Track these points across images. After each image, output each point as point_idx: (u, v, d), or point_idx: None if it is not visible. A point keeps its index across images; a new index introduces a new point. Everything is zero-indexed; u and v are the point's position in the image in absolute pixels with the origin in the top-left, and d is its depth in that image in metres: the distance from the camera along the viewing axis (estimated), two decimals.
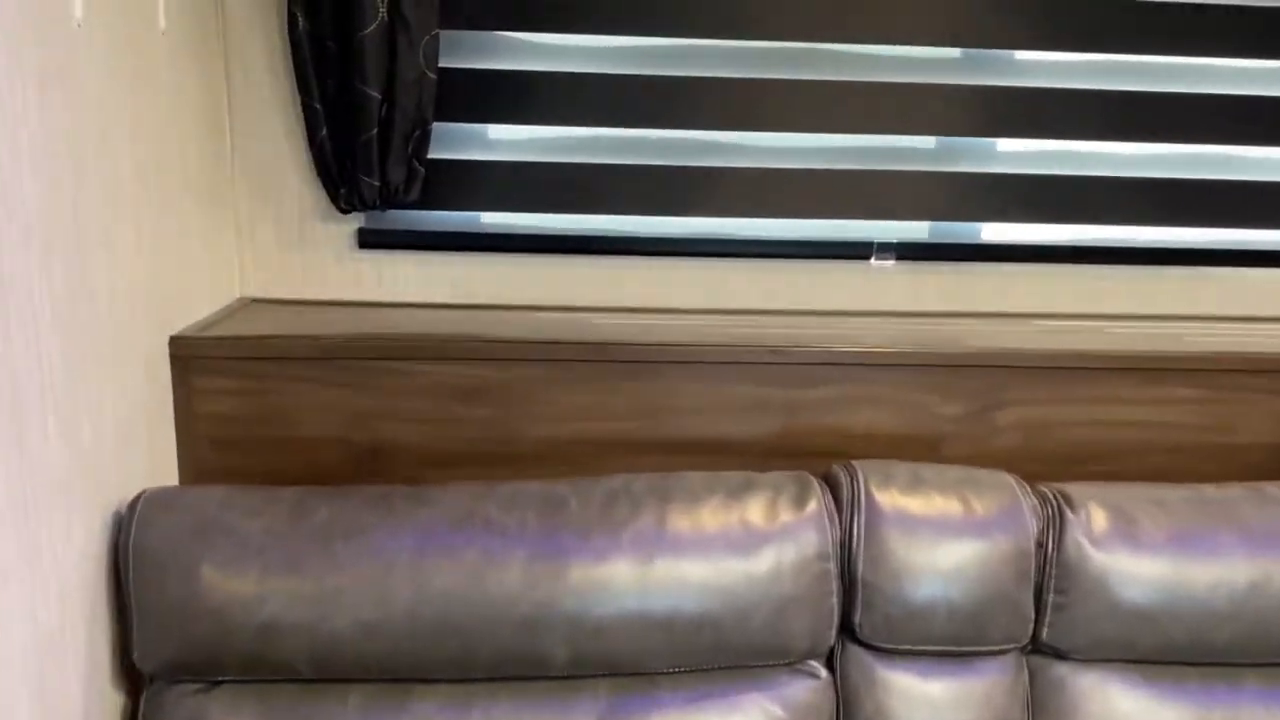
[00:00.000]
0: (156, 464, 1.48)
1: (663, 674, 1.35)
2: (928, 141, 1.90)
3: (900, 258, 1.93)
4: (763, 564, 1.32)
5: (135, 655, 1.29)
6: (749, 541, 1.33)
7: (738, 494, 1.38)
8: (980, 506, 1.39)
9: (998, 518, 1.38)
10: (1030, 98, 1.85)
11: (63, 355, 1.18)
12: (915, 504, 1.39)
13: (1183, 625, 1.36)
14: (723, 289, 1.92)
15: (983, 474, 1.45)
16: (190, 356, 1.54)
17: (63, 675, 1.19)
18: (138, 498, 1.31)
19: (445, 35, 1.75)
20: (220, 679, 1.30)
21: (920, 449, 1.64)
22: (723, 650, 1.33)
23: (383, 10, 1.68)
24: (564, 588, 1.28)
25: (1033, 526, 1.38)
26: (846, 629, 1.40)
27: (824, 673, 1.39)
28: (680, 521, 1.33)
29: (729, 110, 1.83)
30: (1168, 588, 1.36)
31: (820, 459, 1.59)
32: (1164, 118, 1.86)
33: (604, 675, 1.34)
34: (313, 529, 1.28)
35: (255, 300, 1.86)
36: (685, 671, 1.35)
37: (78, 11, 1.19)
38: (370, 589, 1.25)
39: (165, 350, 1.52)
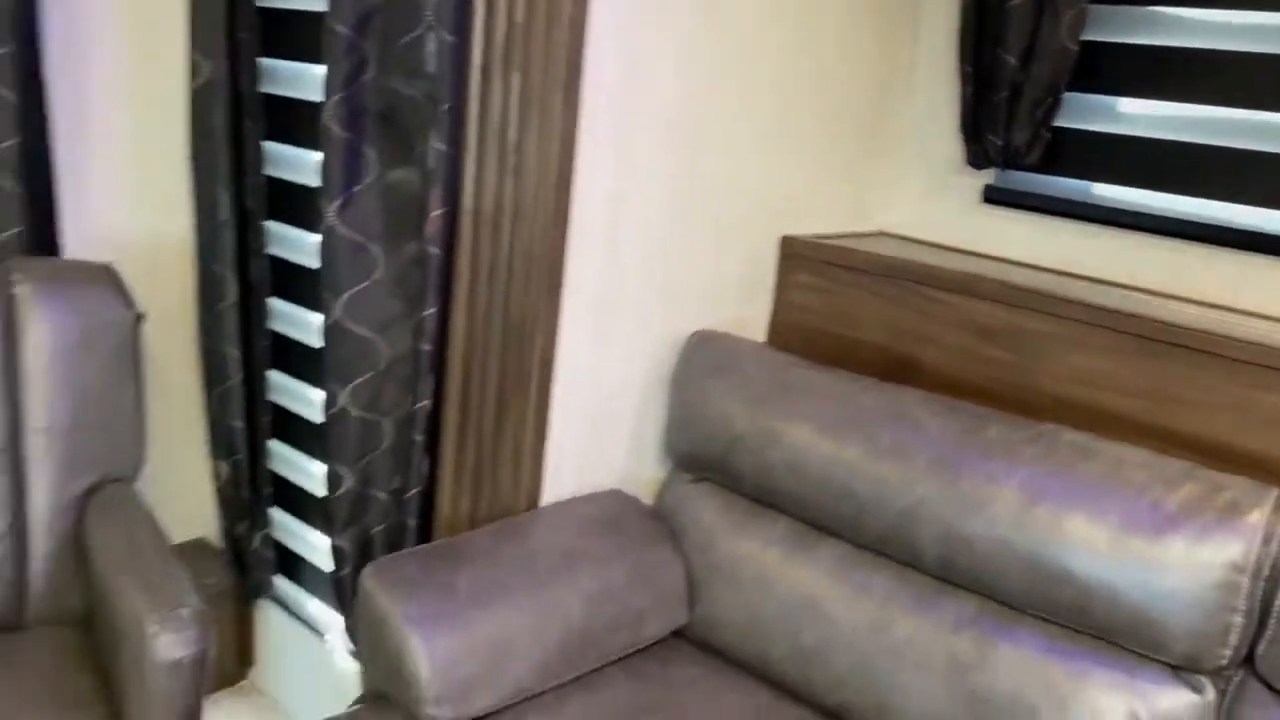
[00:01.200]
0: (749, 325, 1.94)
1: (1030, 614, 1.38)
2: None
3: None
4: (1157, 549, 1.26)
5: (664, 443, 1.78)
6: (1154, 522, 1.27)
7: (1170, 480, 1.31)
8: None
9: None
10: None
11: (668, 218, 1.69)
12: None
13: None
14: None
15: None
16: (792, 255, 1.95)
17: (613, 441, 1.73)
18: (695, 333, 1.78)
19: (1093, 9, 1.83)
20: (705, 477, 1.73)
21: None
22: (1086, 613, 1.31)
23: None
24: (947, 493, 1.40)
25: None
26: (1251, 659, 1.24)
27: (1211, 693, 1.26)
28: (1087, 479, 1.33)
29: None
30: None
31: None
32: None
33: (975, 592, 1.42)
34: (790, 381, 1.61)
35: (889, 235, 2.18)
36: (1052, 622, 1.36)
37: None
38: (803, 437, 1.54)
39: (775, 245, 1.96)
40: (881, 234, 2.17)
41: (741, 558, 1.61)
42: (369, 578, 1.41)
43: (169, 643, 1.33)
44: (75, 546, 1.65)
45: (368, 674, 1.46)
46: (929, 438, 1.45)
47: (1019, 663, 1.34)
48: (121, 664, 1.42)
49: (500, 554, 1.50)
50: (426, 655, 1.34)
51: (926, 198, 2.13)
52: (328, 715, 1.43)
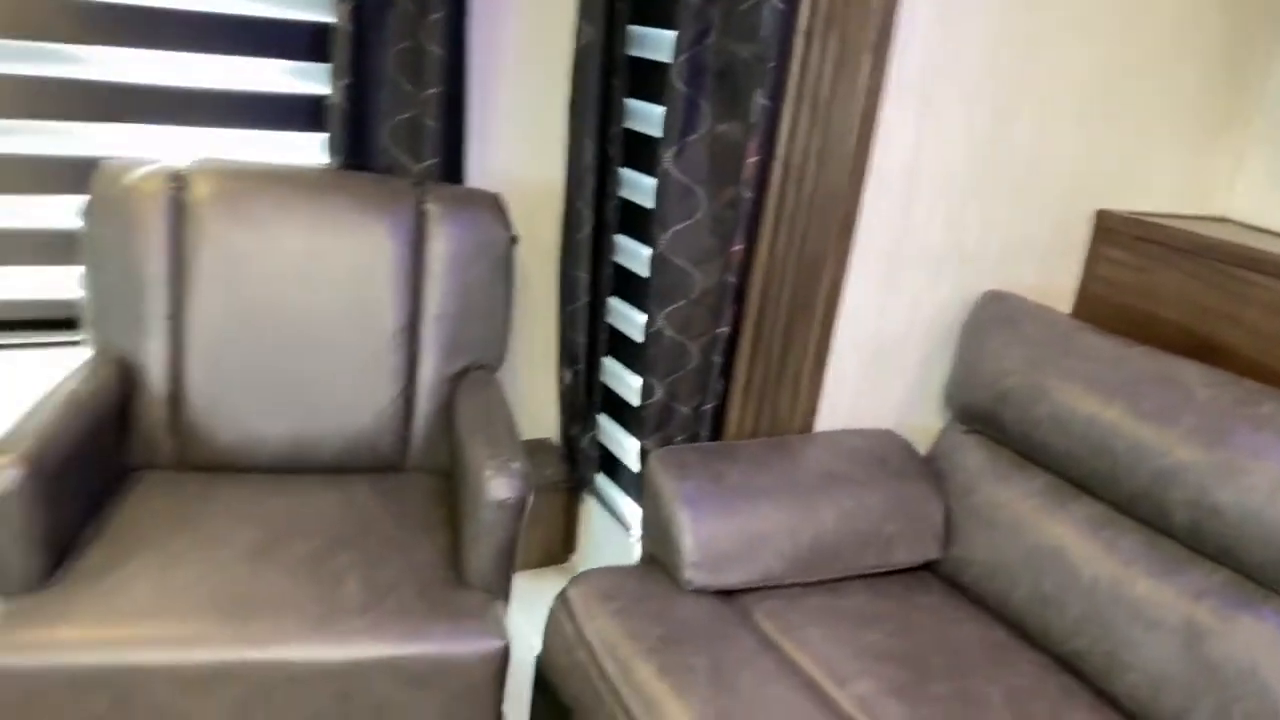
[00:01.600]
0: (1052, 293, 1.98)
1: (1279, 592, 1.36)
2: None
3: None
4: None
5: (945, 394, 1.89)
6: None
7: None
8: None
9: None
10: None
11: (969, 180, 1.79)
12: None
13: None
14: None
15: None
16: (1107, 229, 1.96)
17: (892, 384, 1.87)
18: (987, 292, 1.86)
19: None
20: (977, 429, 1.81)
21: None
22: None
23: None
24: (1205, 461, 1.40)
25: None
26: None
27: None
28: None
29: None
30: None
31: None
32: None
33: (1223, 564, 1.42)
34: (1067, 344, 1.66)
35: (1231, 221, 2.10)
36: None
37: None
38: (1070, 394, 1.60)
39: (1089, 218, 1.97)
40: (1224, 220, 2.09)
41: (999, 504, 1.69)
42: (654, 459, 1.67)
43: (499, 485, 1.67)
44: (446, 413, 2.07)
45: (646, 541, 1.73)
46: (1196, 406, 1.45)
47: (1259, 637, 1.33)
48: (464, 502, 1.79)
49: (768, 461, 1.71)
50: (691, 527, 1.58)
51: (1277, 184, 2.02)
52: (609, 565, 1.72)
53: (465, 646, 1.55)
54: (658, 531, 1.64)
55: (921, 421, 1.95)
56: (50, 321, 2.15)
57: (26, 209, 2.07)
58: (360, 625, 1.53)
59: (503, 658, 1.56)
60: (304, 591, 1.56)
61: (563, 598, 1.62)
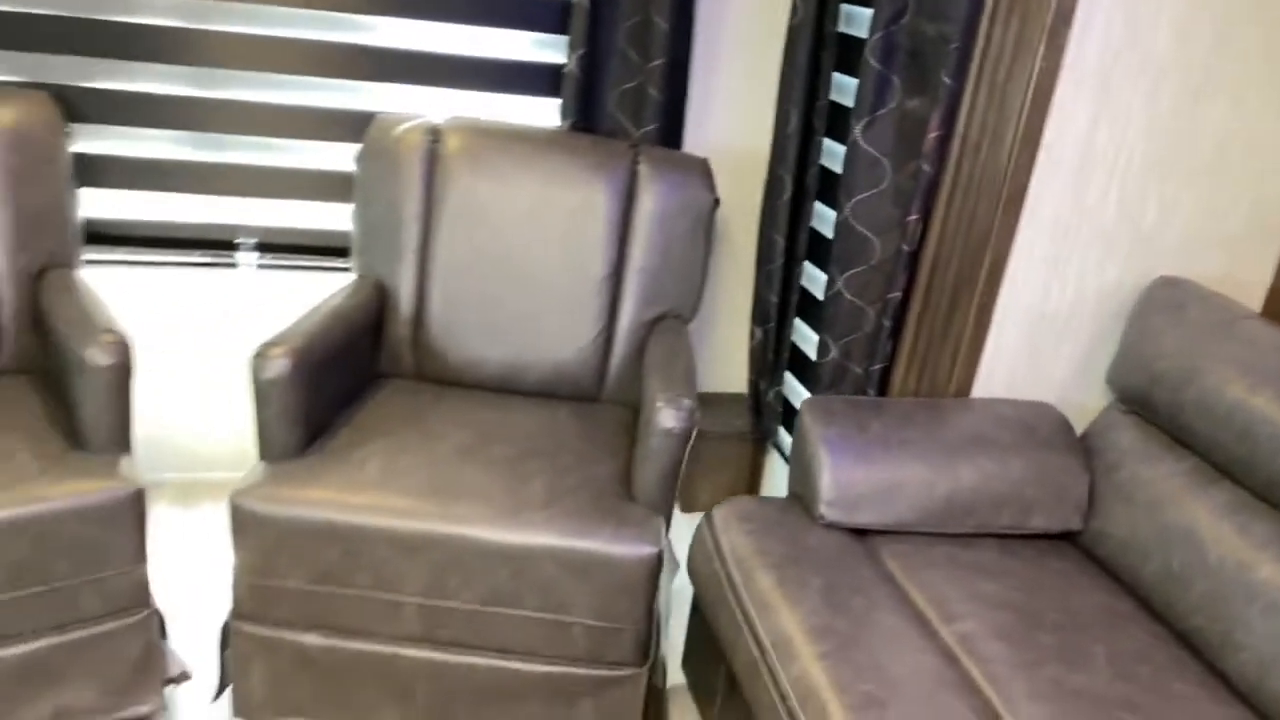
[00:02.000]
0: (1242, 285, 1.95)
1: None
2: None
3: None
4: None
5: (1107, 375, 1.92)
6: None
7: None
8: None
9: None
10: None
11: (1150, 164, 1.81)
12: None
13: None
14: None
15: None
16: None
17: (1053, 359, 1.93)
18: (1160, 277, 1.88)
19: None
20: (1135, 411, 1.84)
21: None
22: None
23: None
24: None
25: None
26: None
27: None
28: None
29: None
30: None
31: None
32: None
33: None
34: (1230, 331, 1.67)
35: None
36: None
37: None
38: (1218, 378, 1.61)
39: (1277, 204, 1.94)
40: None
41: (1143, 482, 1.73)
42: (805, 405, 1.84)
43: (667, 416, 1.89)
44: (639, 354, 2.31)
45: (791, 478, 1.90)
46: None
47: None
48: (640, 429, 2.03)
49: (915, 418, 1.83)
50: (830, 467, 1.74)
51: None
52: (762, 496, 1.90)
53: (624, 549, 1.78)
54: (801, 470, 1.81)
55: (1086, 400, 1.99)
56: (324, 248, 2.58)
57: (313, 153, 2.50)
58: (539, 518, 1.80)
59: (655, 562, 1.79)
60: (498, 485, 1.85)
61: (708, 516, 1.82)
